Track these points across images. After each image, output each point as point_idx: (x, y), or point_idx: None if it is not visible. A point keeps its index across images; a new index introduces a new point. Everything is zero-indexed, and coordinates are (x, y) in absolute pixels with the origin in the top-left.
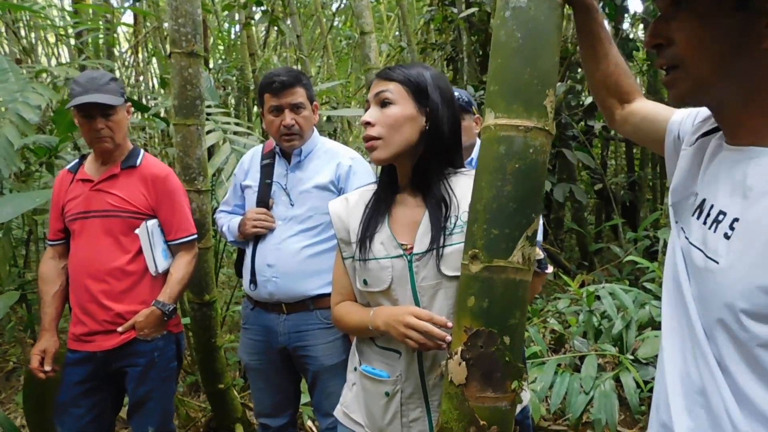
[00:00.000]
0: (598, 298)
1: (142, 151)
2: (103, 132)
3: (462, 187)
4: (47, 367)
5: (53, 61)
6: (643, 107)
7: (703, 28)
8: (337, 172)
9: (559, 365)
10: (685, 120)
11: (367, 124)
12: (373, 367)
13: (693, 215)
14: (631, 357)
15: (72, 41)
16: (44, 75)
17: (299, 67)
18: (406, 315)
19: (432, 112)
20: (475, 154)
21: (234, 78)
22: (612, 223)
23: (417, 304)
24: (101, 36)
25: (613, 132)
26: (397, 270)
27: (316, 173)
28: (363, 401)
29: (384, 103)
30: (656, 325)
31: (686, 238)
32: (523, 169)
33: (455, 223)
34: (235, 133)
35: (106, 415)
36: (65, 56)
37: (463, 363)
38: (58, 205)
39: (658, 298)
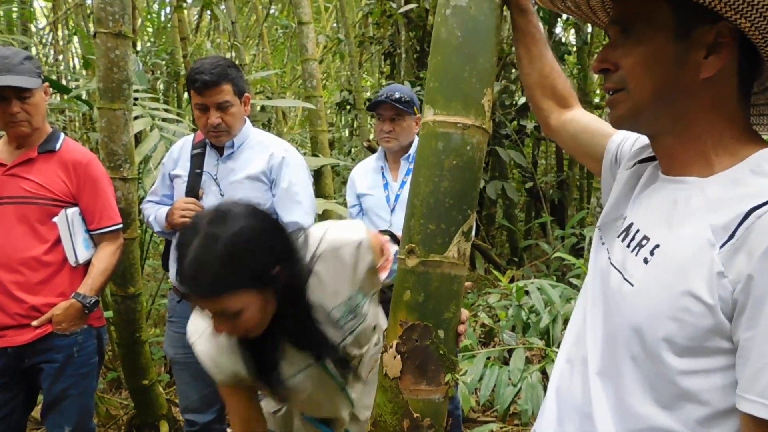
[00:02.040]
0: (527, 293)
1: (62, 134)
2: (19, 116)
3: (328, 279)
4: None
5: None
6: (583, 118)
7: (647, 54)
8: (269, 163)
9: (488, 358)
10: (624, 143)
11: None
12: (316, 422)
13: (618, 237)
14: (557, 350)
15: None
16: None
17: (233, 54)
18: None
19: (269, 279)
20: (412, 151)
21: (163, 63)
22: (541, 221)
23: (344, 388)
24: (15, 10)
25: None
26: (314, 375)
27: (248, 164)
28: None
29: (232, 316)
30: None
31: (608, 258)
32: (460, 166)
33: (338, 322)
34: (164, 119)
35: (17, 414)
36: None
37: (398, 356)
38: None
39: None
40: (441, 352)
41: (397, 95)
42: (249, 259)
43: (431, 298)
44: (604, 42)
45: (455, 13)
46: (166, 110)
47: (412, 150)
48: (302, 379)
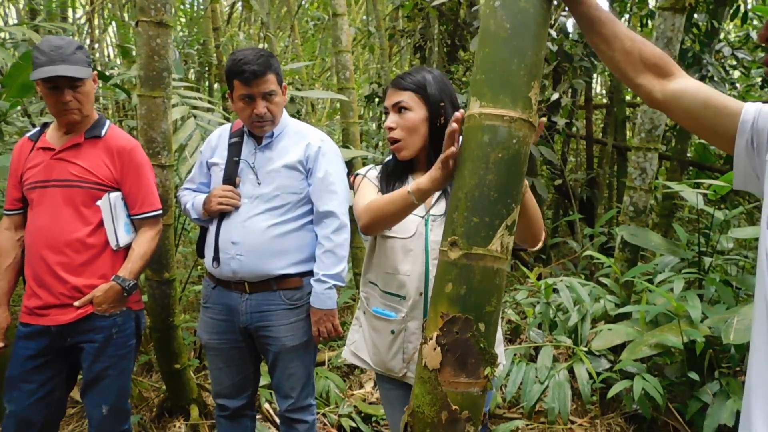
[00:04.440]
0: (555, 290)
1: (107, 121)
2: (71, 104)
3: None
4: (0, 343)
5: None
6: (699, 91)
7: None
8: (306, 153)
9: (515, 355)
10: (758, 121)
11: (390, 129)
12: (381, 308)
13: None
14: (585, 349)
15: (21, 1)
16: None
17: (266, 45)
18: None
19: (440, 108)
20: None
21: (195, 52)
22: (570, 219)
23: (427, 256)
24: None
25: (574, 129)
26: (419, 227)
27: (285, 153)
28: (370, 340)
29: (401, 110)
30: (609, 319)
31: None
32: (506, 159)
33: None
34: (198, 108)
35: (58, 392)
36: (12, 17)
37: (438, 348)
38: (16, 173)
39: (613, 292)
40: (481, 345)
41: None
42: (438, 85)
43: (473, 291)
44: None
45: (504, 5)
46: (200, 99)
47: None
48: (409, 220)
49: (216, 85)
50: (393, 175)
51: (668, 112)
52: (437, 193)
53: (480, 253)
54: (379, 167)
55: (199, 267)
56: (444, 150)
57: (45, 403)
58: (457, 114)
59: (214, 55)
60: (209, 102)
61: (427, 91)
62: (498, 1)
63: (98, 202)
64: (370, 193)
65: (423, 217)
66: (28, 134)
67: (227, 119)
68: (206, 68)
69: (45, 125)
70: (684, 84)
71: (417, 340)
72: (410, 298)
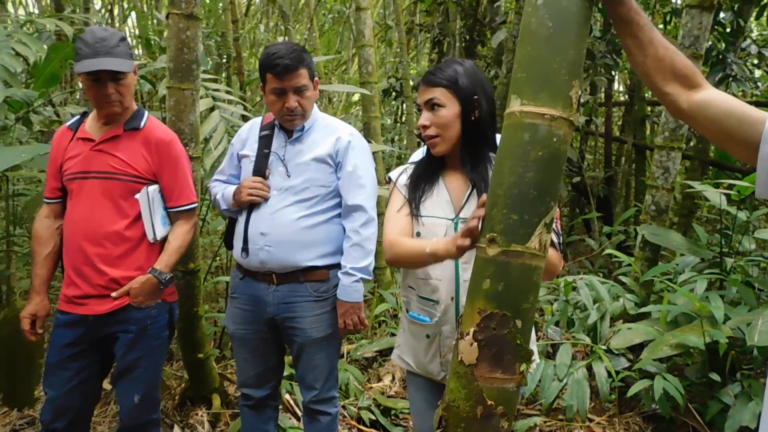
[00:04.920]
0: (574, 288)
1: (146, 112)
2: (113, 97)
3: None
4: (39, 330)
5: (21, 11)
6: (723, 101)
7: None
8: (335, 147)
9: None
10: None
11: (424, 126)
12: (417, 313)
13: None
14: (604, 347)
15: None
16: (28, 26)
17: (285, 38)
18: (458, 237)
19: (473, 102)
20: None
21: (214, 44)
22: (587, 217)
23: (457, 262)
24: None
25: (593, 127)
26: (448, 230)
27: (316, 146)
28: (410, 343)
29: (434, 107)
30: (628, 318)
31: None
32: (545, 158)
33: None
34: (224, 101)
35: (94, 380)
36: (31, 7)
37: (475, 344)
38: (56, 163)
39: (632, 291)
40: (518, 341)
41: None
42: (470, 78)
43: (510, 288)
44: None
45: (547, 3)
46: (228, 92)
47: None
48: (437, 223)
49: (234, 78)
50: (423, 176)
51: (692, 121)
52: (466, 194)
53: (518, 250)
54: (411, 168)
55: (217, 258)
56: (462, 236)
57: (80, 390)
58: (478, 212)
59: (233, 47)
60: (228, 93)
61: (459, 86)
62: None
63: (137, 196)
64: (396, 210)
65: (452, 220)
66: (68, 123)
67: (248, 110)
68: (225, 60)
69: (84, 114)
70: (709, 95)
71: (452, 342)
72: (443, 303)
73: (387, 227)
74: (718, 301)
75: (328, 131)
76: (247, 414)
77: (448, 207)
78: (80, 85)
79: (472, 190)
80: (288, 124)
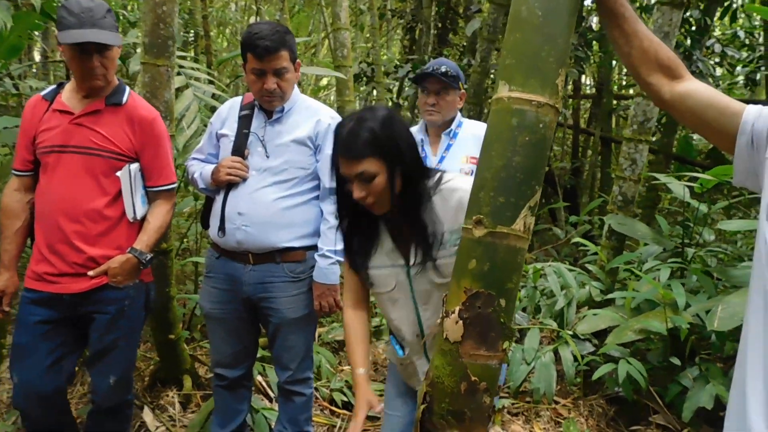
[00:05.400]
0: (542, 275)
1: (127, 87)
2: (98, 70)
3: (439, 207)
4: (5, 308)
5: None
6: (704, 92)
7: None
8: (315, 129)
9: None
10: (758, 122)
11: (361, 198)
12: (393, 340)
13: None
14: (570, 332)
15: None
16: None
17: (257, 18)
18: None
19: (399, 154)
20: (454, 126)
21: (182, 22)
22: (554, 206)
23: (416, 305)
24: None
25: (562, 118)
26: (399, 277)
27: (295, 128)
28: (392, 355)
29: (366, 179)
30: (594, 305)
31: None
32: (532, 143)
33: (443, 239)
34: (197, 79)
35: (67, 359)
36: None
37: (461, 322)
38: (29, 134)
39: (598, 279)
40: (502, 320)
41: (443, 69)
42: (388, 134)
43: (496, 268)
44: None
45: None
46: (199, 70)
47: (454, 126)
48: (387, 274)
49: (201, 57)
50: (361, 232)
51: (673, 110)
52: (414, 245)
53: (504, 232)
54: None
55: (185, 240)
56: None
57: (54, 371)
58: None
59: (201, 26)
60: (198, 71)
61: (382, 147)
62: None
63: (118, 173)
64: (348, 268)
65: (402, 266)
66: (42, 93)
67: (222, 90)
68: (192, 39)
69: (60, 85)
70: (691, 86)
71: (426, 367)
72: (408, 339)
73: (345, 288)
74: (680, 289)
75: (308, 113)
76: (221, 394)
77: (394, 254)
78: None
79: (414, 235)
80: (267, 105)
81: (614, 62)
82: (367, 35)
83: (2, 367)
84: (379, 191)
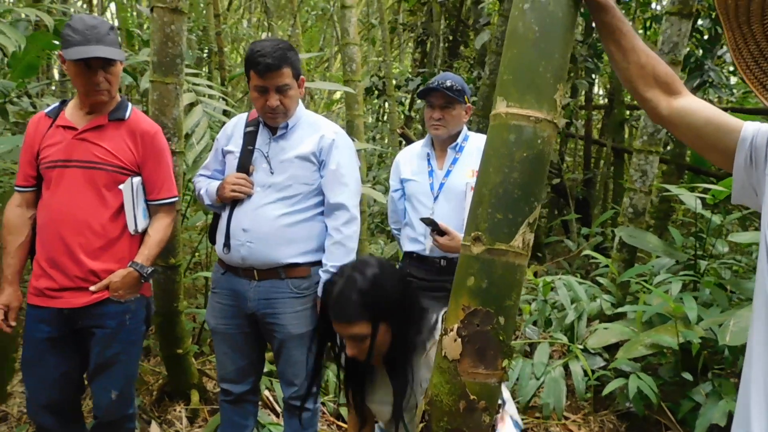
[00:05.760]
0: (553, 288)
1: (129, 104)
2: (102, 86)
3: (420, 366)
4: (12, 322)
5: None
6: (702, 108)
7: None
8: (319, 145)
9: None
10: (756, 138)
11: (354, 355)
12: None
13: None
14: (581, 347)
15: None
16: (8, 17)
17: (269, 34)
18: None
19: (387, 317)
20: (460, 140)
21: (196, 38)
22: (566, 218)
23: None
24: None
25: (573, 129)
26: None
27: (299, 144)
28: None
29: (358, 340)
30: (605, 318)
31: None
32: (530, 158)
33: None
34: (204, 95)
35: (75, 372)
36: None
37: (459, 339)
38: (32, 150)
39: (609, 292)
40: (501, 338)
41: (448, 83)
42: (377, 295)
43: (494, 285)
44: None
45: (534, 7)
46: (210, 87)
47: (460, 140)
48: (384, 410)
49: (216, 72)
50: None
51: (671, 127)
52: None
53: (502, 248)
54: None
55: (197, 254)
56: None
57: (61, 384)
58: None
59: (215, 42)
60: (210, 88)
61: (373, 311)
62: (527, 3)
63: (121, 186)
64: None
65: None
66: (46, 110)
67: (232, 106)
68: (206, 55)
69: (63, 102)
70: (689, 102)
71: None
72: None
73: (348, 425)
74: (692, 302)
75: (312, 129)
76: (227, 409)
77: (388, 392)
78: (56, 76)
79: (396, 396)
80: (270, 122)
81: None
82: (379, 49)
83: (15, 380)
84: (369, 348)
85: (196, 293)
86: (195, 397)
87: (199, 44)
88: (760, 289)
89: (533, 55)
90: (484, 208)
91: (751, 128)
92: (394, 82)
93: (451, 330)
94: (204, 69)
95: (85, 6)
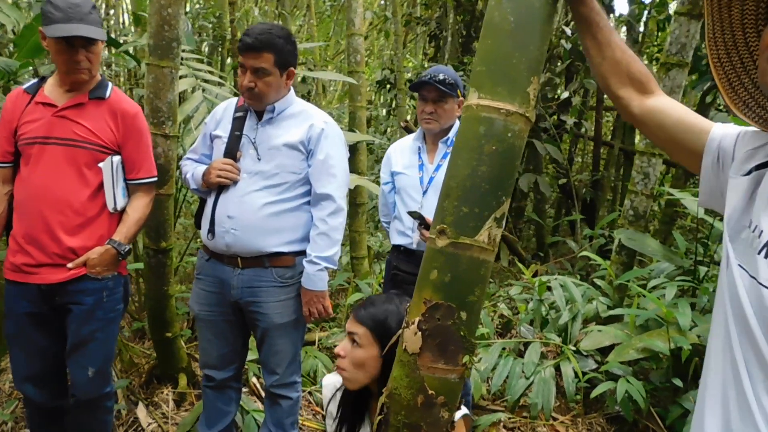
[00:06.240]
0: (549, 288)
1: (109, 83)
2: (83, 64)
3: None
4: None
5: None
6: (673, 108)
7: None
8: (308, 134)
9: (504, 349)
10: (724, 141)
11: (338, 355)
12: None
13: (759, 254)
14: (573, 348)
15: None
16: None
17: (279, 23)
18: None
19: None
20: (451, 134)
21: (210, 26)
22: (571, 219)
23: None
24: None
25: (583, 129)
26: None
27: (288, 131)
28: None
29: (353, 341)
30: (600, 321)
31: (752, 277)
32: (500, 152)
33: None
34: (207, 81)
35: (54, 347)
36: None
37: (419, 333)
38: (10, 126)
39: (606, 295)
40: (462, 333)
41: (441, 77)
42: (398, 317)
43: (457, 280)
44: (656, 42)
45: None
46: (209, 72)
47: (452, 134)
48: None
49: (229, 60)
50: (348, 406)
51: (642, 126)
52: None
53: (467, 243)
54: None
55: (198, 239)
56: None
57: (46, 356)
58: None
59: (229, 29)
60: (220, 76)
61: (384, 330)
62: None
63: (101, 165)
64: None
65: None
66: (24, 86)
67: (236, 94)
68: (220, 42)
69: (42, 79)
70: (661, 102)
71: None
72: None
73: None
74: (686, 308)
75: (301, 118)
76: (209, 395)
77: None
78: None
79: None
80: (248, 103)
81: None
82: (393, 42)
83: (5, 357)
84: (356, 363)
85: (193, 278)
86: (183, 380)
87: (213, 31)
88: (719, 297)
89: (508, 46)
90: (451, 201)
91: (720, 130)
92: (406, 75)
93: (413, 323)
94: (218, 57)
95: None
